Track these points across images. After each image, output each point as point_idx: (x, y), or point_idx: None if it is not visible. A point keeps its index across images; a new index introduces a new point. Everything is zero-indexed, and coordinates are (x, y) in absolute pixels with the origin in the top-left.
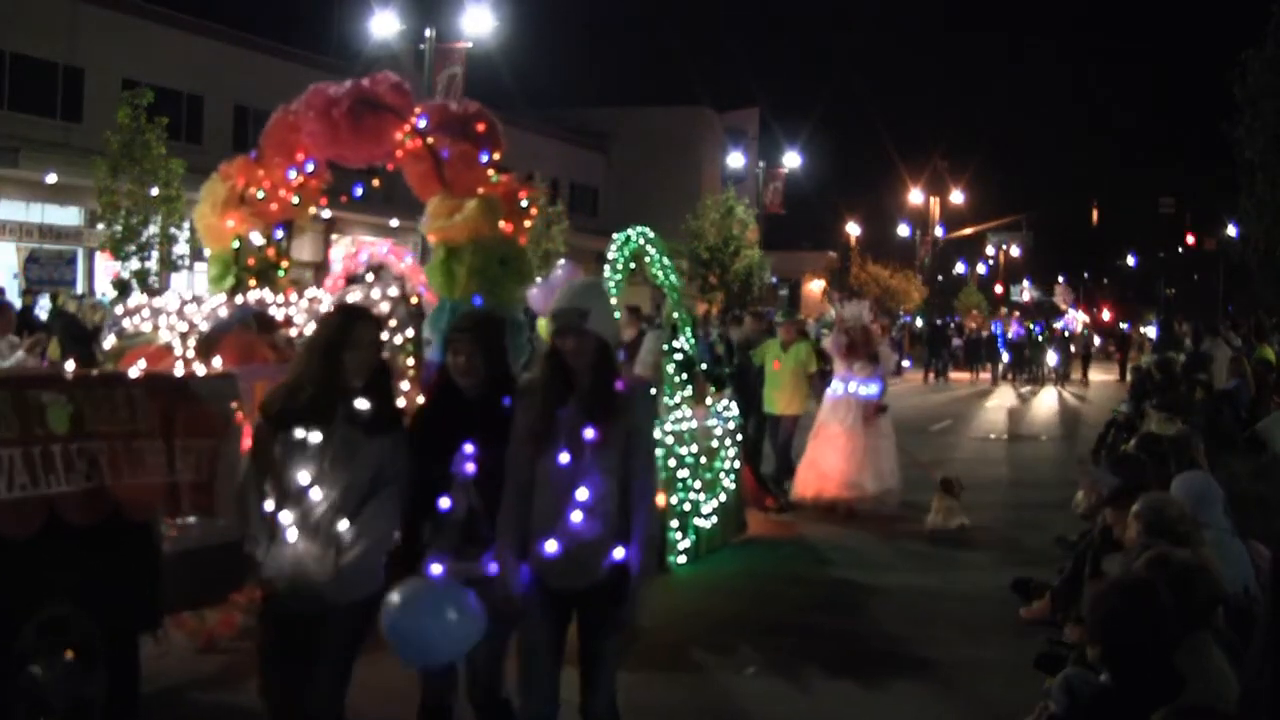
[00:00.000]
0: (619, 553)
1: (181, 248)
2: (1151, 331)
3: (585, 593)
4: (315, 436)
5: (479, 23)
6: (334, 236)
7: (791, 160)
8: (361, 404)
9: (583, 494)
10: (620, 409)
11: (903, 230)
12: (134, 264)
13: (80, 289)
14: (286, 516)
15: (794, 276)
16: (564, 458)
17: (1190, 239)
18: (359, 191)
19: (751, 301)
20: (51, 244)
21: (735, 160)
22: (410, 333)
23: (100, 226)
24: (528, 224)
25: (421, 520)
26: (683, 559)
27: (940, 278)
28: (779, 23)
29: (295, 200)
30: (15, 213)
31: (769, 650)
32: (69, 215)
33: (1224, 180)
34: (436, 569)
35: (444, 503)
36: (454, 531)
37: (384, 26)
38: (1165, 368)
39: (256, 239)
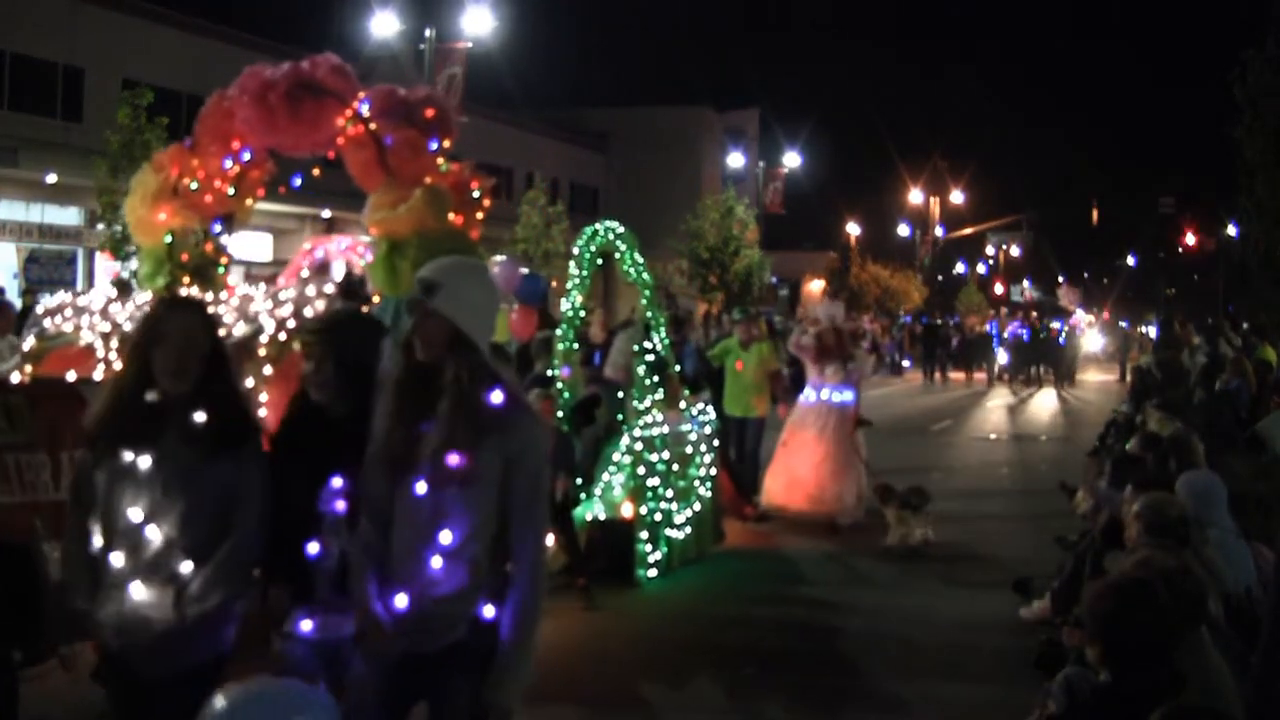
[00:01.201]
0: (488, 611)
1: None
2: (1151, 331)
3: (438, 660)
4: (145, 460)
5: (479, 23)
6: (334, 236)
7: (791, 160)
8: (199, 417)
9: (446, 537)
10: (495, 429)
11: (903, 230)
12: (134, 264)
13: (81, 289)
14: (118, 558)
15: (794, 277)
16: (420, 488)
17: (1190, 239)
18: (297, 182)
19: (751, 302)
20: (51, 244)
21: (735, 160)
22: None
23: (100, 226)
24: (480, 216)
25: (285, 569)
26: (653, 573)
27: (940, 278)
28: (779, 23)
29: (231, 191)
30: (15, 213)
31: (725, 683)
32: (69, 215)
33: (1224, 180)
34: (306, 626)
35: (312, 548)
36: (324, 582)
37: (384, 26)
38: (1166, 367)
39: (193, 234)
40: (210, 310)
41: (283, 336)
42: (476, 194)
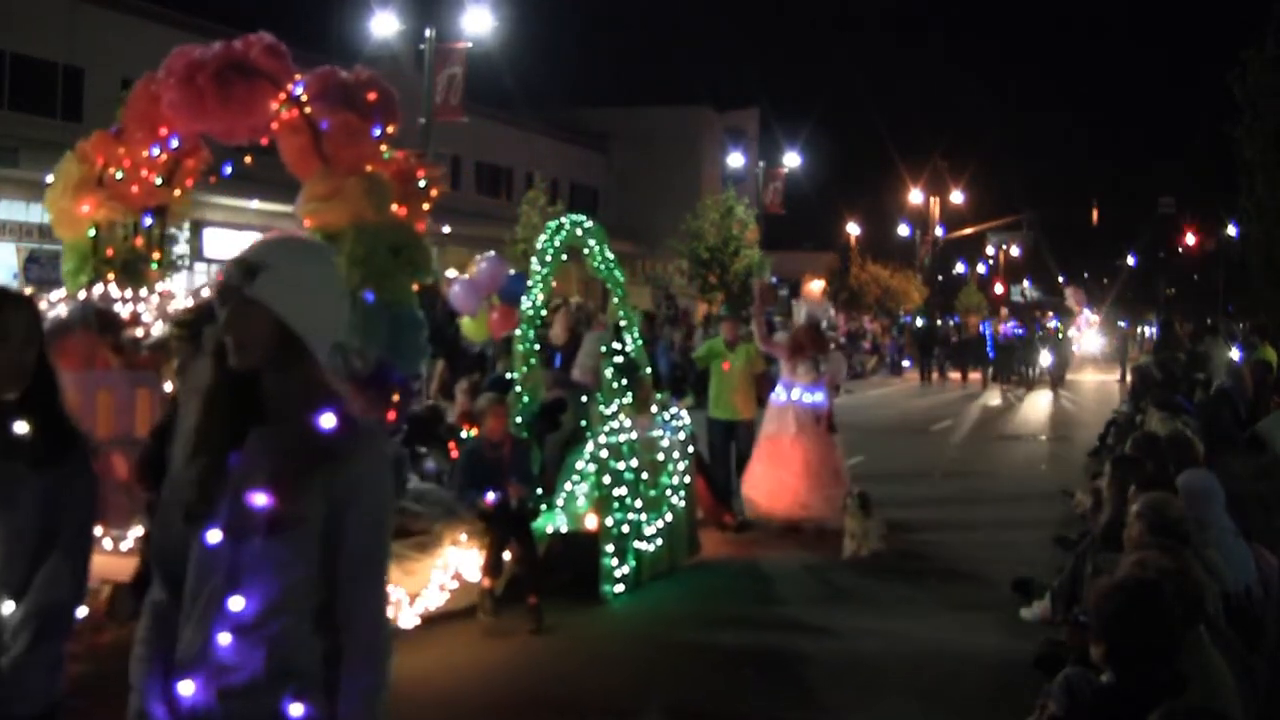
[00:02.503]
0: (294, 710)
1: (181, 248)
2: (1148, 331)
3: None
4: None
5: (479, 23)
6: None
7: (791, 160)
8: (20, 427)
9: (237, 604)
10: (322, 461)
11: (903, 230)
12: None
13: None
14: None
15: (794, 277)
16: (213, 536)
17: (1190, 239)
18: (228, 170)
19: (751, 302)
20: (51, 244)
21: (735, 160)
22: None
23: None
24: (427, 207)
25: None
26: (620, 588)
27: (940, 278)
28: (779, 23)
29: (159, 181)
30: (15, 213)
31: (686, 707)
32: None
33: (1224, 180)
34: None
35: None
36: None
37: (384, 26)
38: (1166, 367)
39: (120, 227)
40: (33, 304)
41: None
42: (423, 183)
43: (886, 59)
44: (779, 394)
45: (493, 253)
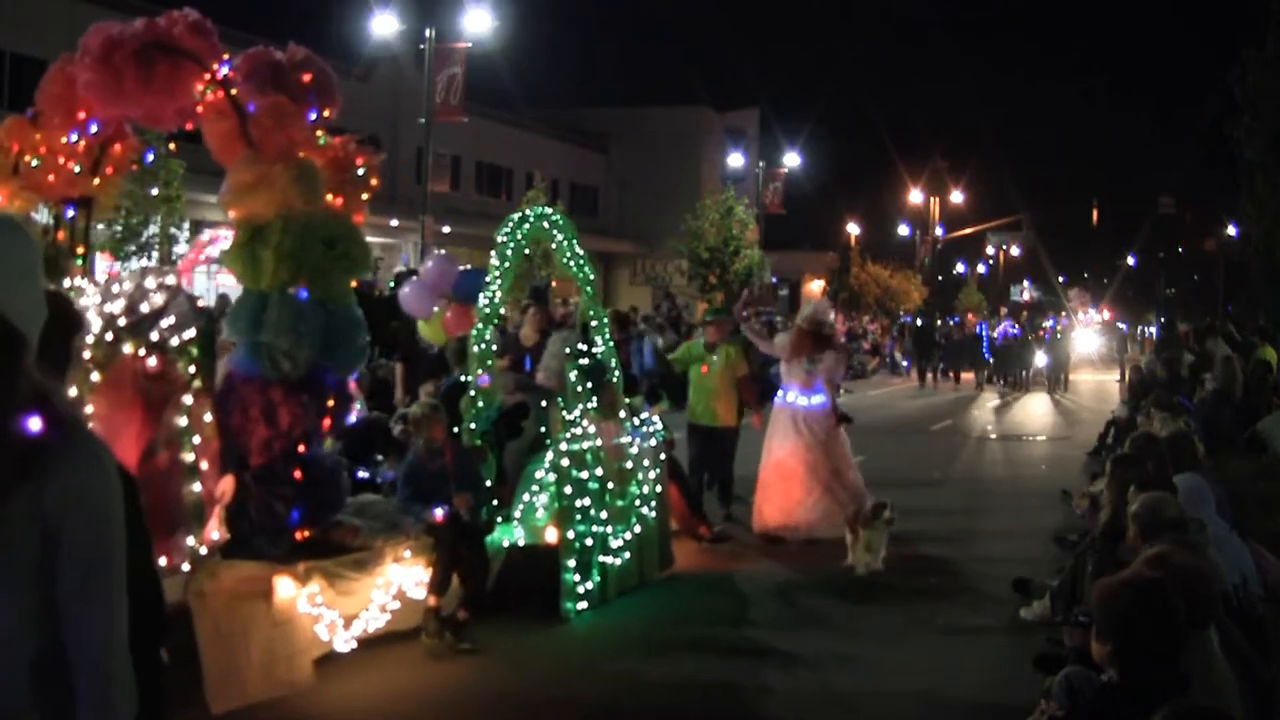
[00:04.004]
0: None
1: (182, 247)
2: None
3: None
4: None
5: (479, 23)
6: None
7: (791, 160)
8: None
9: None
10: (29, 472)
11: (903, 230)
12: (134, 264)
13: None
14: None
15: (794, 277)
16: None
17: (1190, 239)
18: (150, 158)
19: (752, 302)
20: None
21: (735, 160)
22: (191, 333)
23: (100, 226)
24: (366, 197)
25: None
26: (583, 605)
27: (940, 278)
28: (779, 23)
29: (77, 169)
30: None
31: None
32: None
33: (1224, 180)
34: None
35: None
36: None
37: (384, 26)
38: (1170, 367)
39: (34, 219)
40: None
41: (110, 337)
42: (361, 172)
43: (886, 59)
44: (781, 396)
45: (442, 251)
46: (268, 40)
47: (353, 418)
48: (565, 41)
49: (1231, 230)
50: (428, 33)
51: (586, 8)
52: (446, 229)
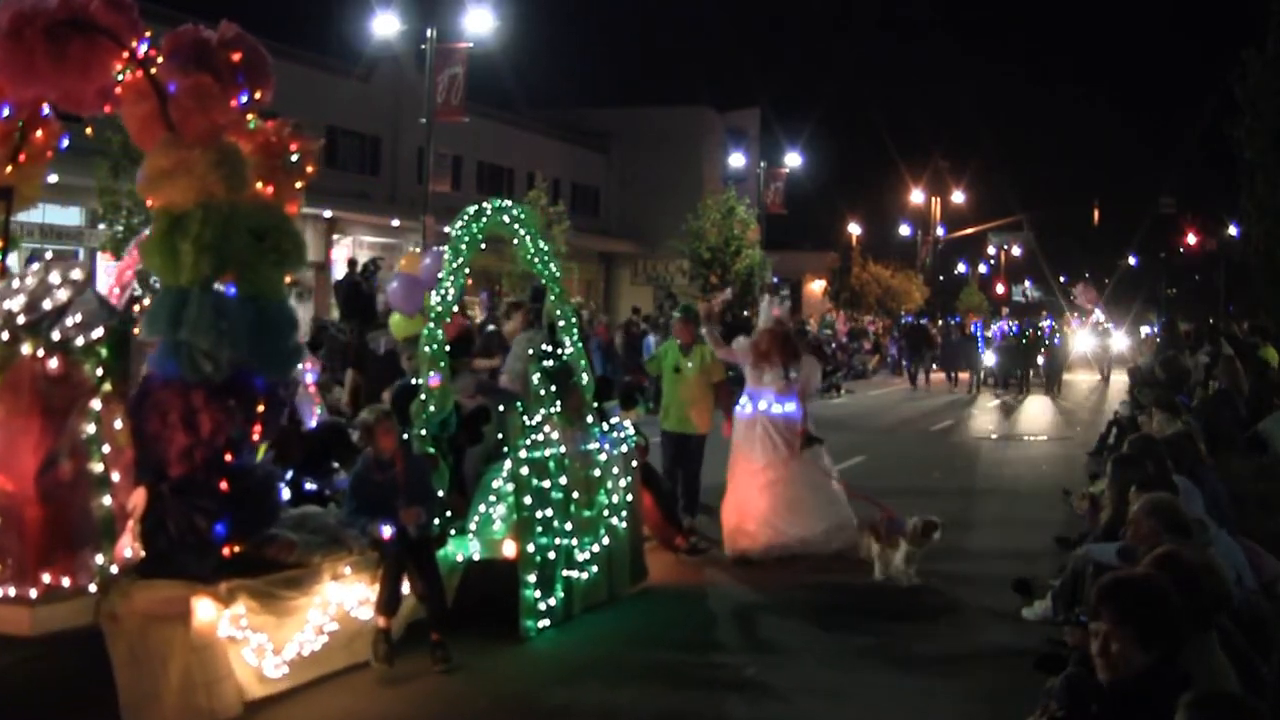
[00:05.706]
0: None
1: None
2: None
3: None
4: None
5: (480, 23)
6: (335, 236)
7: (792, 160)
8: None
9: None
10: None
11: (904, 230)
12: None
13: None
14: None
15: (795, 277)
16: None
17: (1190, 239)
18: (64, 144)
19: (752, 302)
20: (53, 244)
21: (736, 160)
22: (99, 332)
23: (101, 227)
24: (300, 185)
25: None
26: (544, 622)
27: (941, 278)
28: (779, 23)
29: None
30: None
31: None
32: (70, 215)
33: (1224, 180)
34: None
35: None
36: None
37: (385, 27)
38: (1170, 367)
39: None
40: None
41: (6, 336)
42: (296, 158)
43: (886, 59)
44: (744, 404)
45: (437, 247)
46: (268, 39)
47: (312, 422)
48: (566, 41)
49: (1232, 230)
50: (429, 33)
51: (587, 8)
52: (447, 229)
